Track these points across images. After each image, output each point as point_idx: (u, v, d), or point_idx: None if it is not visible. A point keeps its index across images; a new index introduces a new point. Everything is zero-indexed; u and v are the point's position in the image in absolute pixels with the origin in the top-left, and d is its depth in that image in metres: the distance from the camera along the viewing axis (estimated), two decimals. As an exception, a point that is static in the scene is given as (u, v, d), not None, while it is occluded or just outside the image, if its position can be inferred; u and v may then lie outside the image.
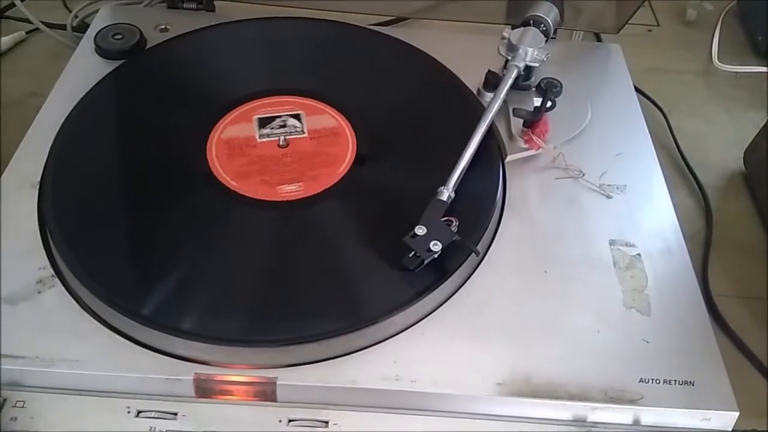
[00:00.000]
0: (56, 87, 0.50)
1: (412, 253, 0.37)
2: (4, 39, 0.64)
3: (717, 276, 0.50)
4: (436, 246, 0.37)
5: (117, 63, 0.51)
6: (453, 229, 0.38)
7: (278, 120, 0.47)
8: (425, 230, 0.37)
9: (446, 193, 0.40)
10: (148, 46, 0.53)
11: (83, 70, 0.51)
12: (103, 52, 0.52)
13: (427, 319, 0.38)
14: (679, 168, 0.58)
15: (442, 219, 0.39)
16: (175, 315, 0.36)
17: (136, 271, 0.38)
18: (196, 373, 0.35)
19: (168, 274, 0.38)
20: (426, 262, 0.37)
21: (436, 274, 0.38)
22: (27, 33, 0.65)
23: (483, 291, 0.39)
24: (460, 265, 0.39)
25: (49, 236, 0.39)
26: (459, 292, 0.39)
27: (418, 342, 0.37)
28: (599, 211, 0.44)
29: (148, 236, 0.40)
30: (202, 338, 0.35)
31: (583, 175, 0.46)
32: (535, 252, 0.41)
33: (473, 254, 0.39)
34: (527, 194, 0.45)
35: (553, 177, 0.46)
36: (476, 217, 0.41)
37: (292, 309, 0.37)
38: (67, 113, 0.46)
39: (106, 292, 0.36)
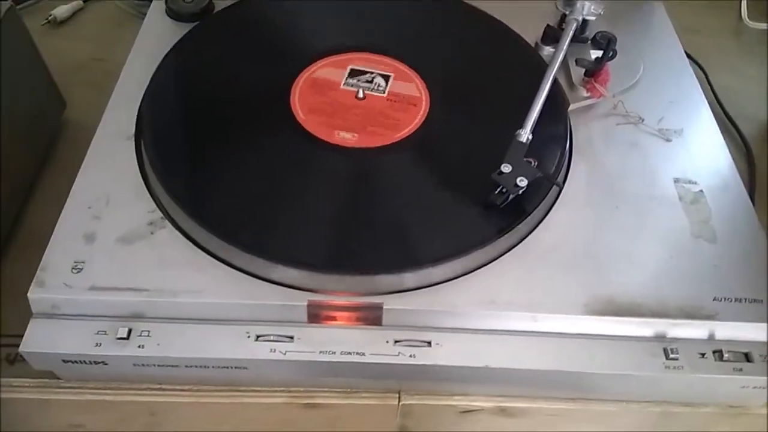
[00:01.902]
0: (135, 47, 0.52)
1: (498, 189, 0.40)
2: (64, 7, 0.65)
3: (759, 214, 0.53)
4: (522, 181, 0.40)
5: (186, 25, 0.54)
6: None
7: (368, 75, 0.49)
8: (510, 168, 0.40)
9: (525, 135, 0.42)
10: (215, 10, 0.56)
11: (157, 31, 0.54)
12: (174, 14, 0.55)
13: (513, 250, 0.41)
14: (719, 119, 0.61)
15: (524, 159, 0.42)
16: (288, 247, 0.39)
17: (249, 210, 0.41)
18: (309, 300, 0.38)
19: (279, 210, 0.41)
20: (511, 197, 0.40)
21: (520, 209, 0.41)
22: (84, 2, 0.67)
23: (561, 226, 0.42)
24: (542, 200, 0.42)
25: (156, 181, 0.42)
26: (539, 227, 0.42)
27: (507, 271, 0.40)
28: (660, 153, 0.47)
29: (250, 176, 0.43)
30: (315, 268, 0.38)
31: (643, 120, 0.49)
32: (606, 191, 0.44)
33: (547, 195, 0.42)
34: (592, 139, 0.48)
35: (614, 123, 0.49)
36: (550, 158, 0.44)
37: (397, 241, 0.40)
38: (147, 70, 0.49)
39: (225, 230, 0.39)
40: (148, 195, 0.42)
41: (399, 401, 0.41)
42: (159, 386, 0.41)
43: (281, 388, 0.41)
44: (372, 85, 0.49)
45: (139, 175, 0.43)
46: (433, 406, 0.42)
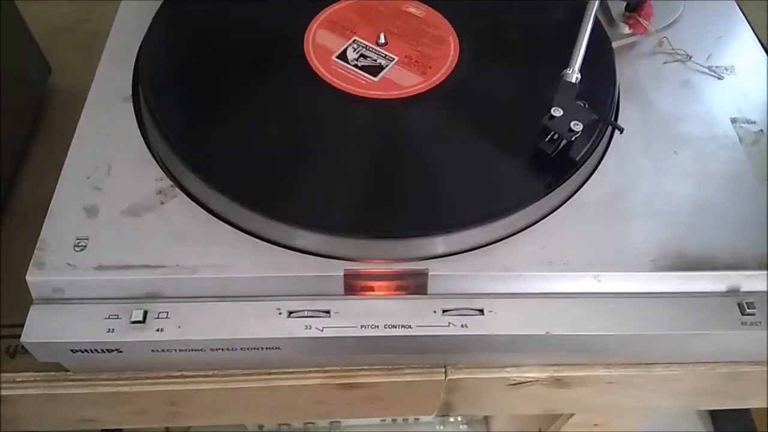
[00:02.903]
0: (122, 4, 0.47)
1: (549, 136, 0.36)
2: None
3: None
4: (577, 126, 0.35)
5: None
6: (586, 110, 0.37)
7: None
8: (562, 111, 0.36)
9: (573, 75, 0.38)
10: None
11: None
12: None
13: (565, 205, 0.37)
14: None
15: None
16: (319, 212, 0.34)
17: (272, 172, 0.36)
18: (345, 270, 0.34)
19: (306, 170, 0.36)
20: (563, 144, 0.36)
21: (570, 158, 0.37)
22: (61, -42, 0.61)
23: (616, 175, 0.38)
24: (595, 147, 0.38)
25: (163, 145, 0.37)
26: (592, 177, 0.38)
27: (562, 227, 0.36)
28: (714, 92, 0.43)
29: (269, 134, 0.38)
30: (351, 233, 0.34)
31: (691, 58, 0.44)
32: (661, 134, 0.40)
33: (600, 142, 0.38)
34: (640, 79, 0.43)
35: (660, 62, 0.45)
36: (598, 100, 0.39)
37: (439, 200, 0.36)
38: (141, 24, 0.43)
39: (246, 197, 0.34)
40: (154, 161, 0.37)
41: (446, 376, 0.37)
42: (179, 373, 0.37)
43: (316, 368, 0.37)
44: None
45: (142, 139, 0.38)
46: (482, 380, 0.38)
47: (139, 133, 0.39)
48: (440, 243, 0.34)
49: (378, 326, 0.33)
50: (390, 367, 0.37)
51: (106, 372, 0.36)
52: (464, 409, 0.42)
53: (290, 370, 0.37)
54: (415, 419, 1.06)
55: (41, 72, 0.49)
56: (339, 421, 1.04)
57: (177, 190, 0.36)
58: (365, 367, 0.37)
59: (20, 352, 0.37)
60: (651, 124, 0.41)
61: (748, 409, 1.04)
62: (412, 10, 0.45)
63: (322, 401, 0.39)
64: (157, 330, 0.33)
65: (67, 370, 0.36)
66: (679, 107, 0.42)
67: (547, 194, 0.35)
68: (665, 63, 0.44)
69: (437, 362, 0.37)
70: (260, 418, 0.42)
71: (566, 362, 0.37)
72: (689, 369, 0.38)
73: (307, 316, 0.33)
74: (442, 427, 1.06)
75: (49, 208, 0.35)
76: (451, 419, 1.05)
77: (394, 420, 1.06)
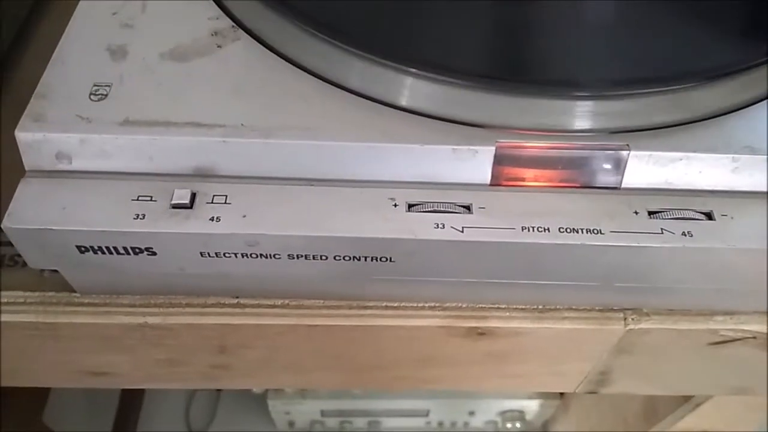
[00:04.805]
0: None
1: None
2: None
3: None
4: None
5: None
6: None
7: None
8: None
9: None
10: None
11: None
12: None
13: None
14: None
15: None
16: (460, 55, 0.23)
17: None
18: (498, 144, 0.22)
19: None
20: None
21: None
22: None
23: None
24: None
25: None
26: None
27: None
28: None
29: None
30: (508, 89, 0.22)
31: None
32: None
33: None
34: None
35: None
36: None
37: (649, 44, 0.23)
38: None
39: (347, 34, 0.23)
40: (209, -1, 0.26)
41: (625, 325, 0.25)
42: (236, 301, 0.25)
43: (432, 304, 0.25)
44: None
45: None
46: (676, 334, 0.26)
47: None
48: (650, 106, 0.22)
49: (548, 229, 0.21)
50: (540, 307, 0.25)
51: (127, 294, 0.25)
52: (623, 384, 0.30)
53: (396, 304, 0.25)
54: (465, 423, 0.94)
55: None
56: (378, 420, 0.93)
57: (240, 32, 0.25)
58: (504, 307, 0.25)
59: (8, 264, 0.26)
60: None
61: None
62: None
63: (430, 357, 0.27)
64: (212, 219, 0.21)
65: (74, 291, 0.25)
66: None
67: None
68: None
69: (610, 302, 0.25)
70: (333, 380, 0.30)
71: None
72: None
73: (436, 211, 0.22)
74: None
75: (58, 46, 0.24)
76: (508, 425, 0.92)
77: (440, 423, 0.93)
